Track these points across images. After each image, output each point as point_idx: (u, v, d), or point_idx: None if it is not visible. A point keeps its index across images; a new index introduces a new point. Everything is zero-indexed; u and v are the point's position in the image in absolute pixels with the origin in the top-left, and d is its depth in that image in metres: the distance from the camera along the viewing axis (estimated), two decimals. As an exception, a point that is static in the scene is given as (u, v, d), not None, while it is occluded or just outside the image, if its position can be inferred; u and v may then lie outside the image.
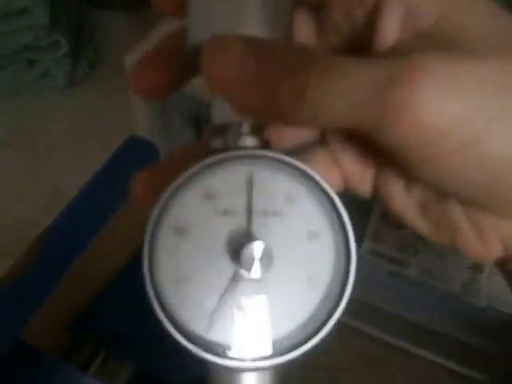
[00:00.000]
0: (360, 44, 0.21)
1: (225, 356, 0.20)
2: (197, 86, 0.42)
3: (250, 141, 0.21)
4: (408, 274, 0.50)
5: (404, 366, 0.56)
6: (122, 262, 0.51)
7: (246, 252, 0.20)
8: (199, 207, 0.20)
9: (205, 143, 0.21)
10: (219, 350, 0.20)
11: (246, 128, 0.21)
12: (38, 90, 0.79)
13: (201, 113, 0.46)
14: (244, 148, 0.20)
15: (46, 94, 0.79)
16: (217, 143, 0.21)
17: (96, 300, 0.48)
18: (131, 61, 0.42)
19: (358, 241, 0.45)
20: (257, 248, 0.20)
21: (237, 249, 0.20)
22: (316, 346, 0.20)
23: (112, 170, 0.44)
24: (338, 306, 0.21)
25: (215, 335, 0.20)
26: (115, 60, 0.83)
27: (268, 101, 0.19)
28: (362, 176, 0.23)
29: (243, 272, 0.20)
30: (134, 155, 0.44)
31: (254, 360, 0.20)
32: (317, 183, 0.21)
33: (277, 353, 0.20)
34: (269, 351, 0.20)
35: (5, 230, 0.67)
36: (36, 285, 0.37)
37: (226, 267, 0.20)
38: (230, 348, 0.20)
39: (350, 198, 0.37)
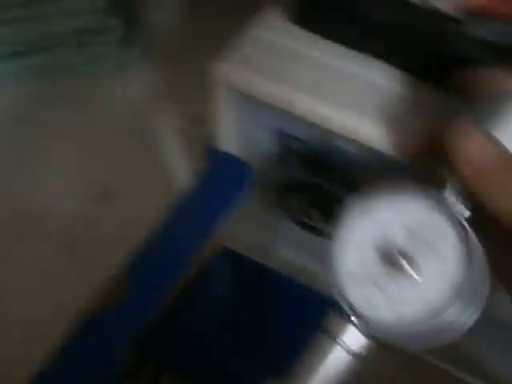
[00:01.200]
0: None
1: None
2: (281, 99, 0.39)
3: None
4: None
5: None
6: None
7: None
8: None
9: None
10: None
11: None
12: (88, 74, 0.76)
13: (283, 126, 0.44)
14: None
15: (96, 79, 0.76)
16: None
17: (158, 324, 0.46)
18: (223, 70, 0.39)
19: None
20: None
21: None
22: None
23: (203, 191, 0.41)
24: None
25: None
26: (166, 46, 0.80)
27: None
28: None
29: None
30: (227, 175, 0.41)
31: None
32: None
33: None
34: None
35: (52, 222, 0.64)
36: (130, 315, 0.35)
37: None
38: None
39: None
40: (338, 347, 0.30)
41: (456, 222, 0.29)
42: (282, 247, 0.56)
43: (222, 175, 0.41)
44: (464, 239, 0.28)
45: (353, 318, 0.29)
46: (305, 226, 0.51)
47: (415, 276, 0.29)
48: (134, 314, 0.35)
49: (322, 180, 0.46)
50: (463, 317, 0.28)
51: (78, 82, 0.75)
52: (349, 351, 0.30)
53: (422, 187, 0.29)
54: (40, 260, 0.62)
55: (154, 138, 0.71)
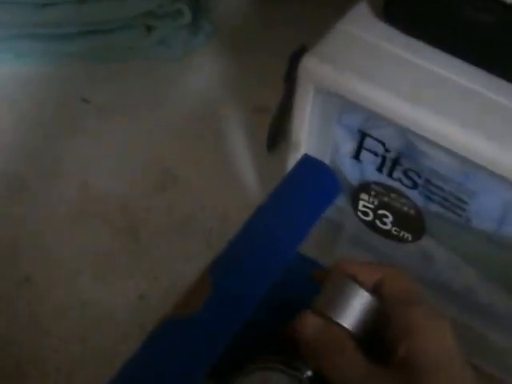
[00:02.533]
0: None
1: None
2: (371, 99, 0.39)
3: None
4: None
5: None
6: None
7: None
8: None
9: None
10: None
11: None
12: (153, 58, 0.75)
13: (368, 128, 0.43)
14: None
15: (161, 63, 0.76)
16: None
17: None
18: (309, 64, 0.39)
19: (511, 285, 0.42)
20: None
21: None
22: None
23: (289, 199, 0.40)
24: None
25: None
26: (230, 34, 0.80)
27: None
28: None
29: None
30: (314, 183, 0.41)
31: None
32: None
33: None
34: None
35: (114, 205, 0.65)
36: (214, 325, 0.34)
37: None
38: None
39: None
40: None
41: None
42: (346, 246, 0.55)
43: (311, 180, 0.40)
44: None
45: None
46: (375, 228, 0.51)
47: None
48: (217, 325, 0.35)
49: (398, 184, 0.45)
50: None
51: (144, 65, 0.75)
52: None
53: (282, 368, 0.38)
54: (101, 245, 0.62)
55: (218, 126, 0.71)
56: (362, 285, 0.37)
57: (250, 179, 0.66)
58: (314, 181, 0.39)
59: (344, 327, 0.38)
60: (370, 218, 0.51)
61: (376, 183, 0.47)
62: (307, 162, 0.39)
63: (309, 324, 0.37)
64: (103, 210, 0.65)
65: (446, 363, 0.33)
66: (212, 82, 0.75)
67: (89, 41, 0.72)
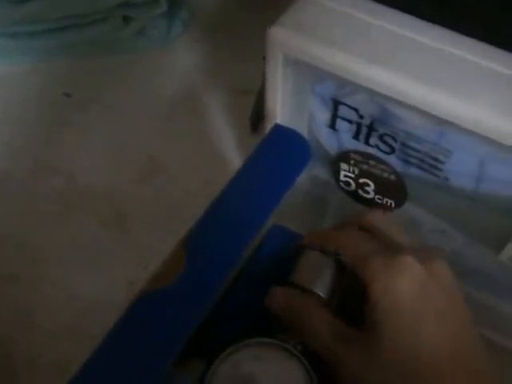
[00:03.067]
0: None
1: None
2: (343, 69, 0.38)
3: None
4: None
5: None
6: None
7: None
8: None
9: None
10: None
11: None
12: (131, 49, 0.75)
13: (341, 96, 0.42)
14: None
15: (140, 54, 0.76)
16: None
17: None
18: (277, 35, 0.39)
19: (498, 245, 0.42)
20: None
21: None
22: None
23: (261, 167, 0.40)
24: None
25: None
26: (208, 19, 0.79)
27: None
28: None
29: None
30: (285, 150, 0.40)
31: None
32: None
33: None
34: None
35: (100, 197, 0.65)
36: (189, 296, 0.34)
37: None
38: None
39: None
40: None
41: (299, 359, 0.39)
42: (333, 219, 0.55)
43: (282, 149, 0.40)
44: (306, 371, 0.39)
45: None
46: (358, 197, 0.50)
47: None
48: (192, 296, 0.34)
49: (375, 150, 0.45)
50: None
51: (124, 56, 0.75)
52: None
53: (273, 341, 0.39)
54: (89, 236, 0.62)
55: (202, 110, 0.71)
56: (327, 251, 0.40)
57: (235, 162, 0.66)
58: (286, 148, 0.39)
59: (315, 293, 0.41)
60: (352, 188, 0.50)
61: (354, 151, 0.47)
62: (278, 131, 0.39)
63: (278, 296, 0.39)
64: (90, 201, 0.65)
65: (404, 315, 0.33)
66: (193, 68, 0.75)
67: (66, 36, 0.72)
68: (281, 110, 0.47)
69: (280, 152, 0.40)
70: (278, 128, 0.40)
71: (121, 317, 0.34)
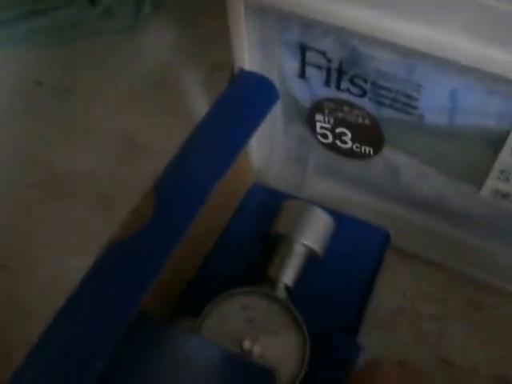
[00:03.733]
0: None
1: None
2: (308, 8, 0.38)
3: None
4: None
5: (514, 313, 0.53)
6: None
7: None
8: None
9: None
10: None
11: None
12: (100, 32, 0.75)
13: (308, 40, 0.42)
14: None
15: (113, 36, 0.75)
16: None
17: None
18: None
19: (478, 181, 0.42)
20: None
21: None
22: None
23: (227, 109, 0.40)
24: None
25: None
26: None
27: None
28: None
29: None
30: (250, 92, 0.40)
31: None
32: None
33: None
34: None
35: (82, 181, 0.64)
36: (158, 240, 0.34)
37: None
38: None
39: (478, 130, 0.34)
40: None
41: (286, 307, 0.40)
42: (314, 175, 0.54)
43: (244, 91, 0.40)
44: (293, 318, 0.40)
45: None
46: (337, 149, 0.50)
47: (263, 354, 0.39)
48: (161, 240, 0.34)
49: (348, 95, 0.45)
50: None
51: (95, 41, 0.74)
52: None
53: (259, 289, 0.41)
54: (75, 219, 0.62)
55: (179, 88, 0.70)
56: None
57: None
58: (251, 91, 0.39)
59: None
60: (329, 140, 0.50)
61: (327, 99, 0.46)
62: (243, 75, 0.39)
63: None
64: (72, 186, 0.64)
65: None
66: (167, 47, 0.75)
67: (32, 23, 0.72)
68: (249, 65, 0.46)
69: (246, 94, 0.40)
70: (242, 73, 0.40)
71: (91, 266, 0.34)
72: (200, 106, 0.70)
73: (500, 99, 0.40)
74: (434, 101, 0.42)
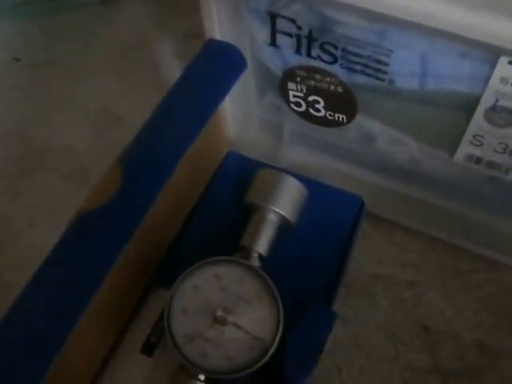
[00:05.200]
0: None
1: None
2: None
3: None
4: (508, 181, 0.46)
5: (491, 279, 0.54)
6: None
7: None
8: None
9: None
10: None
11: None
12: (75, 4, 0.73)
13: (276, 8, 0.42)
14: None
15: (86, 11, 0.74)
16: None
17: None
18: None
19: (452, 146, 0.42)
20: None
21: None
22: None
23: (194, 78, 0.39)
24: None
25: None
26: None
27: None
28: None
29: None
30: (218, 60, 0.39)
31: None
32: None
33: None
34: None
35: (59, 155, 0.64)
36: (125, 211, 0.33)
37: None
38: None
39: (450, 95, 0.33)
40: None
41: (259, 275, 0.40)
42: (289, 144, 0.54)
43: (212, 60, 0.39)
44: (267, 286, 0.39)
45: (200, 376, 0.38)
46: (310, 117, 0.50)
47: (237, 323, 0.39)
48: (128, 210, 0.34)
49: (319, 62, 0.44)
50: None
51: (70, 15, 0.74)
52: None
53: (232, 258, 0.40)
54: (52, 193, 0.61)
55: (152, 59, 0.70)
56: None
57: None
58: (218, 59, 0.38)
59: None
60: (303, 109, 0.50)
61: (298, 67, 0.46)
62: (211, 44, 0.38)
63: None
64: (50, 159, 0.64)
65: None
66: (141, 18, 0.74)
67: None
68: (220, 34, 0.46)
69: (213, 62, 0.39)
70: (211, 41, 0.39)
71: (59, 239, 0.34)
72: (175, 75, 0.69)
73: (472, 63, 0.39)
74: (405, 65, 0.42)
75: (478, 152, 0.45)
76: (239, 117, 0.53)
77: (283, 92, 0.49)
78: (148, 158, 0.36)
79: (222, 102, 0.40)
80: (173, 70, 0.68)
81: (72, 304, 0.32)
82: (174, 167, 0.35)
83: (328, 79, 0.46)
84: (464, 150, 0.45)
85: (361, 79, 0.44)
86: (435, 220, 0.52)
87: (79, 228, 0.33)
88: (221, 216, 0.46)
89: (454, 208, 0.50)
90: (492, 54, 0.38)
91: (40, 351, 0.30)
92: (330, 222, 0.45)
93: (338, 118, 0.49)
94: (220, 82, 0.39)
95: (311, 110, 0.49)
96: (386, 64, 0.42)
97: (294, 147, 0.54)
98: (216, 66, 0.39)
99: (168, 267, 0.44)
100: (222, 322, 0.38)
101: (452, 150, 0.46)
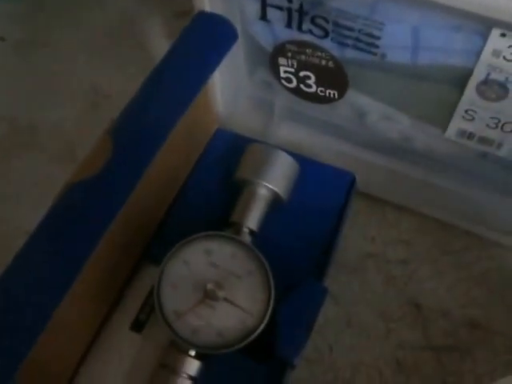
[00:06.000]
0: None
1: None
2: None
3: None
4: (500, 156, 0.46)
5: (482, 256, 0.54)
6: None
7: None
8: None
9: None
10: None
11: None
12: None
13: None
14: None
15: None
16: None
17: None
18: None
19: (444, 122, 0.41)
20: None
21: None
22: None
23: (184, 49, 0.38)
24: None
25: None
26: None
27: None
28: None
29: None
30: (207, 32, 0.39)
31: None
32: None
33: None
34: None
35: (47, 134, 0.63)
36: (119, 179, 0.33)
37: None
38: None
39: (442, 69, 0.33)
40: (181, 378, 0.38)
41: (250, 250, 0.39)
42: (280, 121, 0.54)
43: (202, 31, 0.39)
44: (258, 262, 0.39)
45: (191, 352, 0.38)
46: (301, 93, 0.49)
47: (228, 298, 0.38)
48: (122, 178, 0.33)
49: (310, 36, 0.44)
50: None
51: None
52: (189, 377, 0.38)
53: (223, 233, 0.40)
54: (40, 173, 0.61)
55: (140, 38, 0.69)
56: None
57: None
58: (208, 31, 0.38)
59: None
60: (294, 85, 0.49)
61: (289, 42, 0.45)
62: (201, 16, 0.38)
63: None
64: (36, 139, 0.63)
65: None
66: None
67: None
68: (210, 9, 0.45)
69: (203, 34, 0.39)
70: (200, 14, 0.39)
71: (48, 210, 0.33)
72: (163, 54, 0.68)
73: (464, 36, 0.39)
74: (397, 39, 0.41)
75: (469, 127, 0.44)
76: (229, 94, 0.52)
77: (274, 68, 0.48)
78: (138, 128, 0.35)
79: (212, 74, 0.39)
80: (161, 49, 0.67)
81: (59, 278, 0.31)
82: (164, 137, 0.34)
83: (319, 54, 0.45)
84: (456, 125, 0.45)
85: (352, 53, 0.44)
86: (427, 198, 0.52)
87: (69, 198, 0.32)
88: (211, 192, 0.45)
89: (446, 185, 0.50)
90: (484, 26, 0.37)
91: (26, 325, 0.29)
92: (321, 199, 0.45)
93: (329, 93, 0.48)
94: (211, 53, 0.38)
95: (302, 86, 0.49)
96: (378, 38, 0.41)
97: (285, 124, 0.54)
98: (206, 37, 0.38)
99: (158, 243, 0.43)
100: (213, 297, 0.38)
101: (444, 126, 0.46)
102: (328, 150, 0.53)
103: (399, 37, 0.41)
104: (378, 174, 0.52)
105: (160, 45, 0.68)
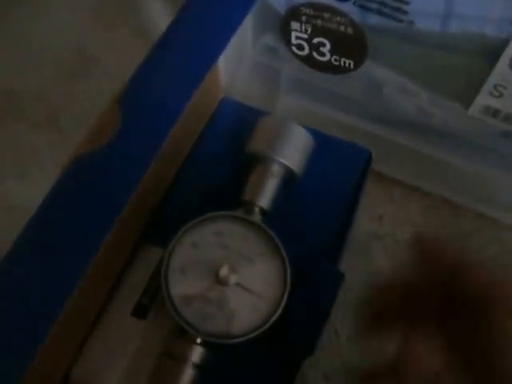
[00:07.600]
0: None
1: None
2: None
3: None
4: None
5: (494, 238, 0.51)
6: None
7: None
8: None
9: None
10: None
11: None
12: None
13: None
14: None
15: None
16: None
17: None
18: None
19: (468, 97, 0.38)
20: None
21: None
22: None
23: (197, 13, 0.34)
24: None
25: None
26: None
27: None
28: None
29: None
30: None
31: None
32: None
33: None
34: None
35: (30, 100, 0.58)
36: (133, 149, 0.29)
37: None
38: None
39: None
40: (187, 367, 0.34)
41: (264, 231, 0.36)
42: (287, 93, 0.50)
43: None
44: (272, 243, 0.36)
45: (198, 340, 0.35)
46: (313, 62, 0.45)
47: (240, 283, 0.35)
48: (136, 148, 0.29)
49: (332, 1, 0.40)
50: None
51: None
52: (195, 366, 0.35)
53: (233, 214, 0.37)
54: (23, 143, 0.56)
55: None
56: None
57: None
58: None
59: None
60: (305, 52, 0.45)
61: (305, 4, 0.41)
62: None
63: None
64: (18, 107, 0.59)
65: None
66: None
67: None
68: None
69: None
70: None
71: (53, 187, 0.29)
72: (154, 15, 0.64)
73: (503, 2, 0.35)
74: (428, 4, 0.38)
75: (496, 104, 0.41)
76: (231, 61, 0.48)
77: (284, 33, 0.45)
78: (151, 98, 0.31)
79: (229, 42, 0.35)
80: (153, 10, 0.63)
81: (72, 267, 0.27)
82: (180, 111, 0.30)
83: (338, 19, 0.41)
84: (482, 101, 0.41)
85: (375, 19, 0.40)
86: (439, 177, 0.49)
87: (78, 172, 0.28)
88: (217, 168, 0.41)
89: (461, 164, 0.47)
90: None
91: (36, 318, 0.26)
92: (336, 176, 0.41)
93: (345, 63, 0.44)
94: (228, 18, 0.34)
95: (315, 54, 0.45)
96: (407, 2, 0.38)
97: (292, 96, 0.50)
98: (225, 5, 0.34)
99: (160, 224, 0.39)
100: (224, 281, 0.34)
101: (467, 102, 0.43)
102: (336, 123, 0.50)
103: (431, 2, 0.37)
104: (389, 151, 0.49)
105: (151, 7, 0.63)
